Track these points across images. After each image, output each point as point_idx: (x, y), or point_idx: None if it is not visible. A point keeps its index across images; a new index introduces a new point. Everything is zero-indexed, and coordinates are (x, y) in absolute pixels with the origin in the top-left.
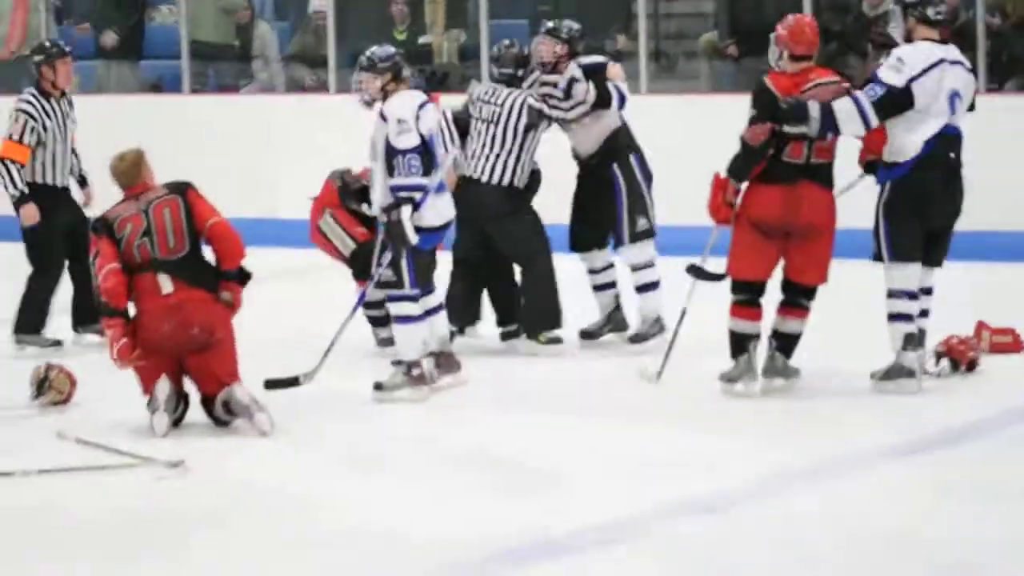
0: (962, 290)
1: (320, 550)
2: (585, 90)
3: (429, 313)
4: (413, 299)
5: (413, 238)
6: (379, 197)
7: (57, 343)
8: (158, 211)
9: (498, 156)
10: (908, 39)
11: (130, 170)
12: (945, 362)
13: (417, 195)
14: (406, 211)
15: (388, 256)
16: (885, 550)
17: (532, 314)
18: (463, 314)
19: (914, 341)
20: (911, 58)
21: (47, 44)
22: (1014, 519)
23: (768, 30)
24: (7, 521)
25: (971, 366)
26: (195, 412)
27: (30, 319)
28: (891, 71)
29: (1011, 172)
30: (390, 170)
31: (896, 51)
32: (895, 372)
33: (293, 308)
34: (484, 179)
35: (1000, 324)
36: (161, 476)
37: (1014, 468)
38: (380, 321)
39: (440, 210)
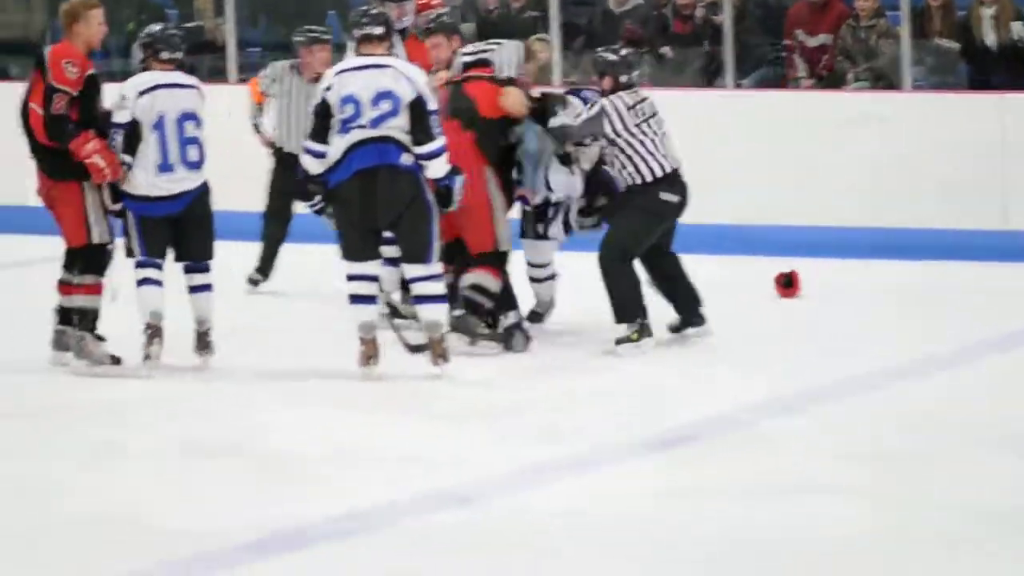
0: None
1: (60, 535)
2: None
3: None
4: (143, 265)
5: (109, 204)
6: None
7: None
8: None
9: None
10: None
11: (62, 18)
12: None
13: None
14: None
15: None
16: (621, 540)
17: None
18: None
19: None
20: None
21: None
22: None
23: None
24: None
25: None
26: None
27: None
28: None
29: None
30: (104, 135)
31: None
32: None
33: None
34: None
35: None
36: None
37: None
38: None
39: (146, 185)
